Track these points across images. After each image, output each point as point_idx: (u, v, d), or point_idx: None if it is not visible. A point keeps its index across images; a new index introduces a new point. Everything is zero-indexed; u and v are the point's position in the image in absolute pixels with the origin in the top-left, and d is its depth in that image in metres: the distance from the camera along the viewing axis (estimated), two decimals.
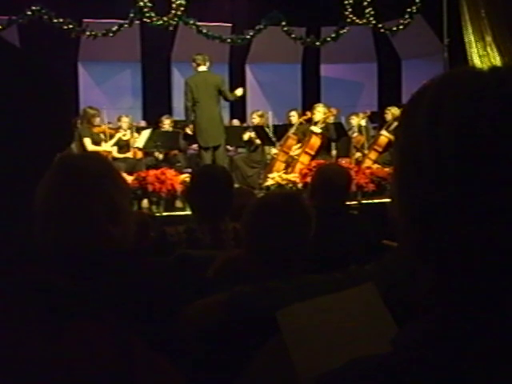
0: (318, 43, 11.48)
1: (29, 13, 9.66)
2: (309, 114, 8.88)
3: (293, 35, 11.12)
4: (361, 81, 13.56)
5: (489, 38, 10.26)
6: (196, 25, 10.41)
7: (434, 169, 0.61)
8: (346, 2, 10.84)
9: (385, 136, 8.69)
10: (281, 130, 9.03)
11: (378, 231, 3.32)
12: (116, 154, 8.34)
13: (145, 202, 7.25)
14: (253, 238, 1.78)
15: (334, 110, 9.05)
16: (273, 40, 11.34)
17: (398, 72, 13.37)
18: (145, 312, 1.38)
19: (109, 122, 9.01)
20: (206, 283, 1.98)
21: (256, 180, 8.63)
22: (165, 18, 10.02)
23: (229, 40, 10.98)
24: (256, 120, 9.22)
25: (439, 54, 10.37)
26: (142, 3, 9.86)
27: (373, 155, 8.75)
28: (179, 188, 7.20)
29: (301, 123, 8.93)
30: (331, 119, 9.03)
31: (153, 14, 9.94)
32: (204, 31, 10.49)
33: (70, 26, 9.90)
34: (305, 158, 8.35)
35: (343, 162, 8.65)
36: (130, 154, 8.47)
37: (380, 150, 8.70)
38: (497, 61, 9.89)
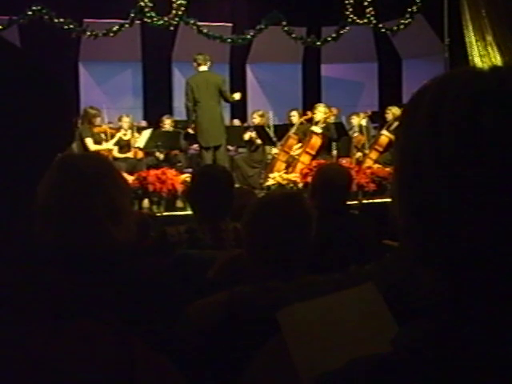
0: (318, 43, 11.48)
1: (29, 13, 9.66)
2: (309, 113, 8.87)
3: (293, 35, 11.11)
4: (361, 80, 13.56)
5: (489, 38, 10.26)
6: (197, 25, 10.41)
7: (435, 168, 0.61)
8: (347, 2, 10.84)
9: (385, 136, 8.68)
10: (281, 130, 9.03)
11: (379, 231, 3.32)
12: (117, 154, 8.34)
13: (145, 202, 7.25)
14: (253, 237, 1.78)
15: (334, 110, 9.05)
16: (273, 40, 11.34)
17: (398, 72, 13.37)
18: (145, 312, 1.38)
19: (109, 122, 9.02)
20: (206, 283, 1.98)
21: (257, 180, 8.63)
22: (165, 18, 10.02)
23: (229, 40, 10.98)
24: (257, 120, 9.22)
25: (440, 53, 10.38)
26: (142, 3, 9.86)
27: (373, 155, 8.75)
28: (180, 188, 7.20)
29: (301, 123, 8.93)
30: (332, 119, 9.03)
31: (153, 14, 9.94)
32: (205, 31, 10.49)
33: (71, 26, 9.90)
34: (305, 158, 8.35)
35: (344, 161, 8.65)
36: (130, 154, 8.48)
37: (381, 149, 8.70)
38: (497, 60, 9.89)
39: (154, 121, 10.04)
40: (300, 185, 7.89)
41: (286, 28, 10.95)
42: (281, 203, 1.77)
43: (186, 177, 7.09)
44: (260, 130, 8.90)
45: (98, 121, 8.11)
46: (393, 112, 8.81)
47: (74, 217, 1.42)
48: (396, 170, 0.67)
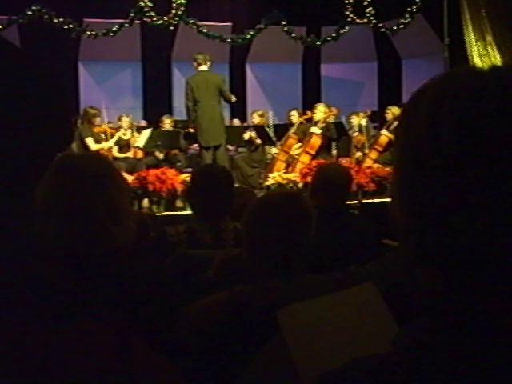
0: (318, 43, 11.47)
1: (29, 12, 9.65)
2: (309, 113, 8.87)
3: (293, 35, 11.11)
4: (361, 80, 13.56)
5: (489, 38, 10.26)
6: (196, 24, 10.41)
7: (434, 168, 0.61)
8: (347, 2, 10.83)
9: (385, 135, 8.68)
10: (281, 130, 9.03)
11: (379, 231, 3.32)
12: (116, 154, 8.34)
13: (145, 202, 7.25)
14: (253, 237, 1.78)
15: (334, 110, 9.05)
16: (273, 39, 11.34)
17: (398, 71, 13.37)
18: (145, 312, 1.38)
19: (109, 122, 9.01)
20: (206, 283, 1.98)
21: (256, 179, 8.63)
22: (165, 18, 10.02)
23: (229, 39, 10.98)
24: (256, 119, 9.22)
25: (439, 53, 10.38)
26: (142, 3, 9.85)
27: (373, 155, 8.75)
28: (180, 188, 7.20)
29: (301, 123, 8.93)
30: (332, 119, 9.03)
31: (153, 14, 9.94)
32: (204, 31, 10.49)
33: (71, 26, 9.90)
34: (305, 158, 8.34)
35: (344, 161, 8.65)
36: (130, 154, 8.48)
37: (380, 149, 8.70)
38: (497, 60, 9.89)
39: (153, 120, 10.05)
40: (300, 184, 7.89)
41: (285, 28, 10.95)
42: (281, 203, 1.77)
43: (186, 176, 7.09)
44: (260, 129, 8.90)
45: (97, 120, 8.10)
46: (392, 112, 8.81)
47: (74, 217, 1.42)
48: (396, 169, 0.67)
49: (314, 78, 13.66)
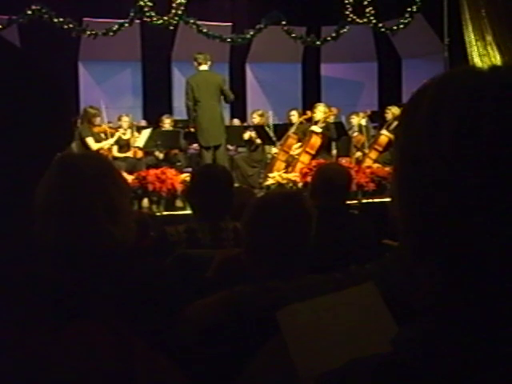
0: (318, 42, 11.47)
1: (29, 12, 9.65)
2: (309, 113, 8.87)
3: (293, 34, 11.11)
4: (361, 80, 13.56)
5: (489, 38, 10.26)
6: (196, 24, 10.40)
7: (434, 168, 0.61)
8: (347, 2, 10.83)
9: (385, 135, 8.68)
10: (281, 130, 9.03)
11: (379, 231, 3.32)
12: (116, 154, 8.34)
13: (145, 202, 7.25)
14: (253, 237, 1.78)
15: (334, 110, 9.05)
16: (273, 39, 11.34)
17: (398, 71, 13.37)
18: (145, 312, 1.38)
19: (109, 122, 9.02)
20: (206, 283, 1.98)
21: (256, 179, 8.63)
22: (165, 18, 10.02)
23: (229, 39, 10.98)
24: (256, 119, 9.22)
25: (439, 53, 10.37)
26: (142, 2, 9.85)
27: (373, 154, 8.75)
28: (179, 187, 7.20)
29: (301, 122, 8.93)
30: (331, 119, 9.03)
31: (153, 14, 9.93)
32: (204, 30, 10.49)
33: (71, 26, 9.90)
34: (305, 158, 8.34)
35: (343, 161, 8.65)
36: (130, 154, 8.48)
37: (380, 149, 8.70)
38: (497, 60, 9.89)
39: (153, 120, 10.04)
40: (300, 184, 7.89)
41: (285, 27, 10.94)
42: (281, 203, 1.77)
43: (186, 176, 7.09)
44: (260, 129, 8.90)
45: (97, 120, 8.11)
46: (392, 111, 8.81)
47: (74, 217, 1.42)
48: (396, 169, 0.67)
49: (313, 78, 13.66)
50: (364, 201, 7.58)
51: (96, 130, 8.05)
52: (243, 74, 13.26)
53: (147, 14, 9.90)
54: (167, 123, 9.40)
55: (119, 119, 8.91)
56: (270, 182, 8.11)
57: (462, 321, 0.60)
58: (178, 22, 10.34)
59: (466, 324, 0.60)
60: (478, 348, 0.59)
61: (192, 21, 10.33)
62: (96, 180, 1.46)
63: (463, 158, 0.59)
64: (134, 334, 0.87)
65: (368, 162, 8.57)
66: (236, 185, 4.44)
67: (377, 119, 10.05)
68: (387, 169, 7.88)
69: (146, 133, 8.41)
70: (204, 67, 7.94)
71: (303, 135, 8.70)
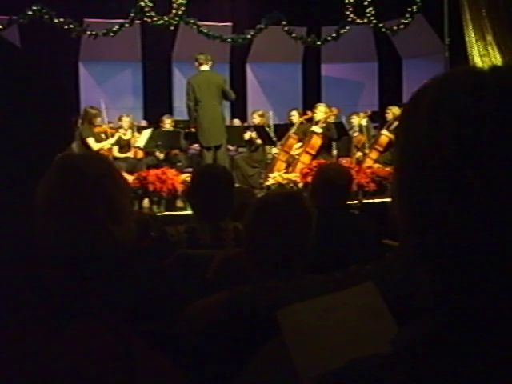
0: (318, 43, 11.48)
1: (29, 12, 9.66)
2: (309, 113, 8.87)
3: (293, 35, 11.11)
4: (361, 80, 13.56)
5: (489, 38, 10.26)
6: (197, 24, 10.41)
7: (435, 168, 0.61)
8: (347, 2, 10.83)
9: (385, 135, 8.68)
10: (281, 130, 9.03)
11: (379, 231, 3.32)
12: (117, 154, 8.34)
13: (145, 202, 7.25)
14: (253, 237, 1.78)
15: (334, 110, 9.05)
16: (273, 39, 11.34)
17: (398, 71, 13.37)
18: (145, 312, 1.38)
19: (109, 122, 9.02)
20: (206, 283, 1.98)
21: (257, 179, 8.63)
22: (165, 18, 10.02)
23: (229, 40, 10.98)
24: (257, 119, 9.22)
25: (440, 53, 10.37)
26: (142, 3, 9.86)
27: (374, 155, 8.75)
28: (180, 188, 7.20)
29: (301, 123, 8.93)
30: (332, 119, 9.03)
31: (153, 14, 9.94)
32: (205, 31, 10.49)
33: (71, 26, 9.90)
34: (306, 158, 8.34)
35: (344, 161, 8.65)
36: (130, 154, 8.48)
37: (381, 149, 8.70)
38: (497, 60, 9.88)
39: (154, 120, 10.05)
40: (300, 185, 7.89)
41: (285, 28, 10.95)
42: (281, 203, 1.77)
43: (186, 176, 7.09)
44: (260, 129, 8.90)
45: (98, 121, 8.11)
46: (393, 112, 8.81)
47: (74, 217, 1.42)
48: (396, 169, 0.67)
49: (314, 78, 13.66)
50: (364, 201, 7.58)
51: (96, 130, 8.05)
52: (243, 74, 13.26)
53: (148, 14, 9.91)
54: (168, 123, 9.40)
55: (120, 119, 8.91)
56: (270, 182, 8.11)
57: (462, 321, 0.60)
58: (179, 22, 10.34)
59: (465, 324, 0.60)
60: (478, 348, 0.59)
61: (192, 21, 10.34)
62: (96, 180, 1.46)
63: (463, 158, 0.59)
64: (133, 334, 0.87)
65: (368, 162, 8.57)
66: (236, 185, 4.45)
67: (377, 119, 10.05)
68: (388, 169, 7.89)
69: (147, 133, 8.41)
70: (205, 67, 7.94)
71: (304, 135, 8.70)
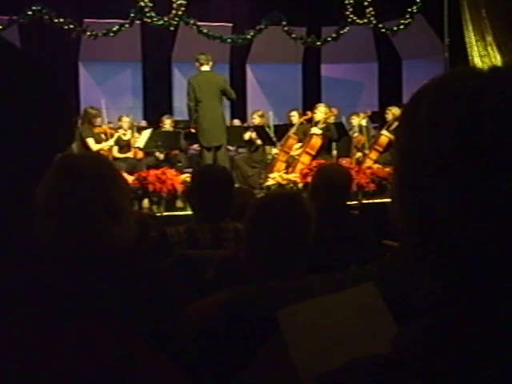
0: (318, 43, 11.47)
1: (29, 13, 9.65)
2: (309, 113, 8.87)
3: (293, 35, 11.11)
4: (361, 81, 13.56)
5: (489, 38, 10.26)
6: (197, 25, 10.41)
7: (435, 168, 0.61)
8: (347, 2, 10.83)
9: (385, 136, 8.68)
10: (281, 130, 9.03)
11: (379, 231, 3.32)
12: (117, 154, 8.34)
13: (145, 202, 7.25)
14: (253, 238, 1.78)
15: (334, 110, 9.05)
16: (273, 40, 11.34)
17: (398, 72, 13.37)
18: (145, 312, 1.38)
19: (109, 122, 9.02)
20: (206, 283, 1.98)
21: (257, 180, 8.63)
22: (165, 18, 10.02)
23: (229, 40, 10.98)
24: (257, 120, 9.22)
25: (440, 53, 10.37)
26: (142, 3, 9.85)
27: (373, 155, 8.75)
28: (180, 188, 7.20)
29: (301, 123, 8.93)
30: (332, 119, 9.03)
31: (153, 14, 9.94)
32: (205, 31, 10.49)
33: (71, 26, 9.90)
34: (305, 158, 8.34)
35: (344, 161, 8.65)
36: (130, 154, 8.48)
37: (381, 149, 8.70)
38: (497, 60, 9.88)
39: (153, 121, 10.05)
40: (300, 185, 7.89)
41: (285, 28, 10.95)
42: (280, 203, 1.77)
43: (186, 177, 7.09)
44: (260, 130, 8.90)
45: (98, 121, 8.11)
46: (393, 112, 8.80)
47: (74, 217, 1.42)
48: (396, 170, 0.67)
49: (314, 79, 13.66)
50: (364, 201, 7.59)
51: (96, 130, 8.05)
52: (243, 74, 13.26)
53: (147, 14, 9.91)
54: (167, 124, 9.40)
55: (119, 120, 8.91)
56: (270, 182, 8.11)
57: (462, 321, 0.60)
58: (179, 22, 10.34)
59: (466, 324, 0.60)
60: (478, 348, 0.59)
61: (192, 21, 10.34)
62: (96, 180, 1.46)
63: (463, 158, 0.59)
64: (133, 334, 0.87)
65: (368, 163, 8.57)
66: (236, 185, 4.45)
67: (377, 120, 10.05)
68: (387, 169, 7.89)
69: (147, 133, 8.41)
70: (206, 68, 7.94)
71: (303, 136, 8.70)
